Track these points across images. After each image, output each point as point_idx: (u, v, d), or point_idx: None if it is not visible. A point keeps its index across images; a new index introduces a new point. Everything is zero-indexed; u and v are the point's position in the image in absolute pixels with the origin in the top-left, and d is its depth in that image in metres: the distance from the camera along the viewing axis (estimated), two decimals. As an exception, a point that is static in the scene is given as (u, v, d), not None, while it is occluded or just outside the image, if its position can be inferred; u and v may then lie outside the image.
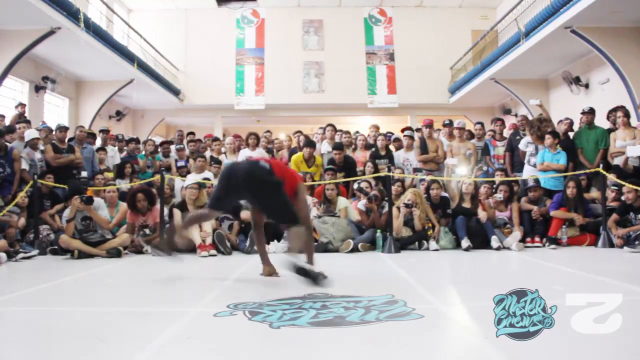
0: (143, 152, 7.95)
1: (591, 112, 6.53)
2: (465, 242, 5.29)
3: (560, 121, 7.18)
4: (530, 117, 7.84)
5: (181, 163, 7.44)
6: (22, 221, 5.59)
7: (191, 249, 5.23)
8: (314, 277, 2.92)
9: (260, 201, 3.36)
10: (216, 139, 8.07)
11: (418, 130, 8.28)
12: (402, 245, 5.38)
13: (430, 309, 2.43)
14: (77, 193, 5.24)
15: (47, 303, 2.85)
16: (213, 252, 5.07)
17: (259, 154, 6.96)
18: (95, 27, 9.88)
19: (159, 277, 3.95)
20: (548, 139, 6.17)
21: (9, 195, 5.78)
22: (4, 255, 4.65)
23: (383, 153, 7.10)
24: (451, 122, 7.49)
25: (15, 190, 5.90)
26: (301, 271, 2.92)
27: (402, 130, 7.98)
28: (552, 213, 5.63)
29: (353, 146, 7.48)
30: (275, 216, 3.40)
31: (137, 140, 8.03)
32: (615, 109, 6.49)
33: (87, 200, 5.17)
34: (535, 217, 5.74)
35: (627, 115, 6.29)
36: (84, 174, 6.47)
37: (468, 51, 14.18)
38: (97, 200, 5.42)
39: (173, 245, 3.62)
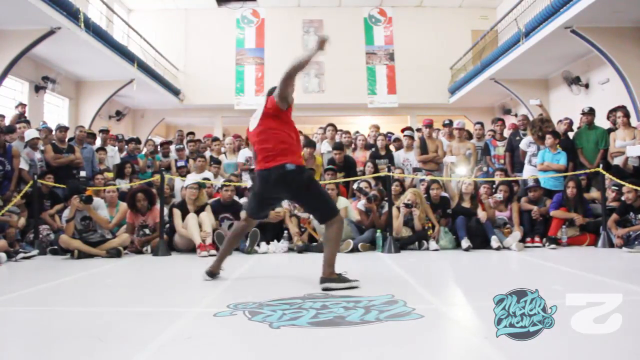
0: (143, 152, 7.95)
1: (591, 112, 6.53)
2: (465, 242, 5.29)
3: (560, 121, 7.19)
4: (530, 117, 7.84)
5: (181, 163, 7.44)
6: (22, 221, 5.60)
7: (191, 249, 5.23)
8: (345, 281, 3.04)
9: (300, 201, 3.56)
10: (216, 139, 8.08)
11: (418, 130, 8.28)
12: (402, 245, 5.38)
13: (430, 309, 2.43)
14: (77, 193, 5.23)
15: (47, 303, 2.85)
16: (213, 252, 5.06)
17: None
18: (95, 27, 9.88)
19: (159, 277, 3.96)
20: (549, 139, 6.17)
21: (8, 192, 5.79)
22: (4, 255, 4.65)
23: (383, 153, 7.10)
24: (451, 122, 7.49)
25: (14, 188, 5.91)
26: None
27: (402, 131, 7.99)
28: (552, 213, 5.63)
29: (353, 146, 7.49)
30: (316, 214, 3.42)
31: (137, 141, 8.04)
32: (615, 109, 6.50)
33: (86, 200, 5.17)
34: (535, 217, 5.74)
35: (626, 115, 6.30)
36: (82, 173, 6.47)
37: (468, 51, 14.18)
38: (96, 200, 5.42)
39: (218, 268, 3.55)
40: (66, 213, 5.30)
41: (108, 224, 5.39)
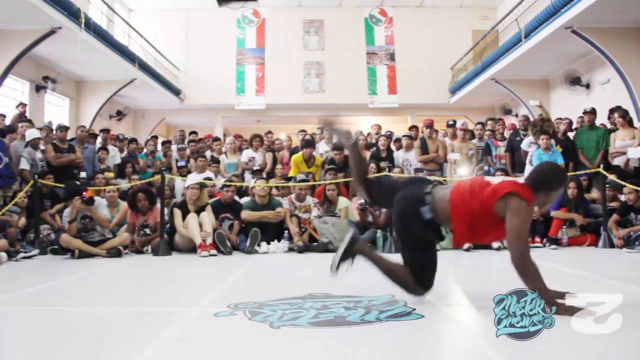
0: (144, 152, 7.96)
1: (592, 112, 6.53)
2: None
3: (560, 120, 7.19)
4: (531, 118, 7.85)
5: (182, 163, 7.44)
6: (22, 221, 5.60)
7: (192, 249, 5.23)
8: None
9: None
10: (216, 139, 8.08)
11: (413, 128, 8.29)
12: (402, 245, 5.37)
13: (431, 309, 2.43)
14: (76, 194, 5.22)
15: (47, 303, 2.85)
16: (213, 252, 5.06)
17: None
18: (96, 27, 9.89)
19: (160, 277, 3.96)
20: (543, 140, 6.16)
21: (15, 183, 5.79)
22: (4, 254, 4.64)
23: (384, 155, 7.10)
24: (454, 123, 7.50)
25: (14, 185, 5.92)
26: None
27: (410, 129, 8.01)
28: (552, 213, 5.63)
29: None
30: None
31: (135, 141, 8.04)
32: (613, 110, 6.50)
33: (87, 202, 5.16)
34: (536, 217, 5.74)
35: (622, 116, 6.29)
36: (82, 174, 6.47)
37: (468, 51, 14.18)
38: (97, 200, 5.42)
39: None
40: (67, 213, 5.30)
41: (108, 223, 5.40)
